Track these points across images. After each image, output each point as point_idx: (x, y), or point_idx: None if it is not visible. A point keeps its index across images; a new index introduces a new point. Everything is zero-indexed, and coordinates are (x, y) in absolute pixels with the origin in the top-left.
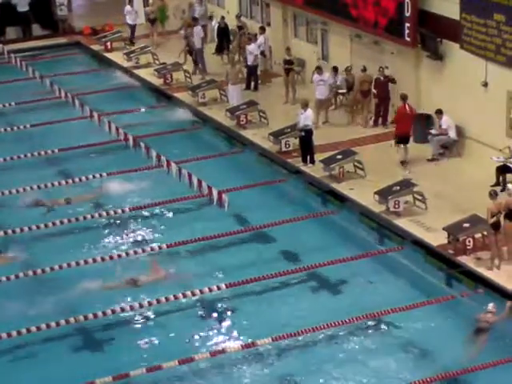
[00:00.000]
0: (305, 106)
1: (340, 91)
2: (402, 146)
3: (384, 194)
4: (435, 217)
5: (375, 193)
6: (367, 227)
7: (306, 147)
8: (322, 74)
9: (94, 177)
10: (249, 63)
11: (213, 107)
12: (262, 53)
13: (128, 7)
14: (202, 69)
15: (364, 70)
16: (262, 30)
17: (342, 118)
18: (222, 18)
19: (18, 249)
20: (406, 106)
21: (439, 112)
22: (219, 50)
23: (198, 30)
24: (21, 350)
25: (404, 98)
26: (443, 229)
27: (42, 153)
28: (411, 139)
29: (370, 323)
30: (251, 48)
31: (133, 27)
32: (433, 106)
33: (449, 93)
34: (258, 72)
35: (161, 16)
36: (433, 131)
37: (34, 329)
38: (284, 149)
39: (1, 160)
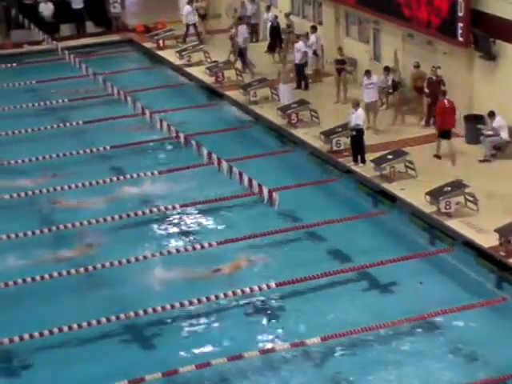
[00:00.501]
0: (356, 105)
1: (390, 91)
2: (444, 140)
3: (435, 195)
4: (487, 218)
5: (426, 193)
6: (418, 228)
7: (357, 147)
8: (370, 78)
9: (145, 174)
10: (296, 61)
11: (264, 106)
12: (314, 52)
13: (188, 7)
14: (246, 67)
15: (417, 66)
16: (314, 29)
17: (394, 117)
18: (276, 17)
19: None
20: (446, 101)
21: (491, 114)
22: (271, 48)
23: (242, 29)
24: (72, 345)
25: (444, 93)
26: (495, 230)
27: (94, 149)
28: (463, 139)
29: (419, 324)
30: (298, 46)
31: (193, 26)
32: (485, 107)
33: (501, 93)
34: (309, 71)
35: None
36: (485, 132)
37: (84, 324)
38: (335, 148)
39: (54, 156)
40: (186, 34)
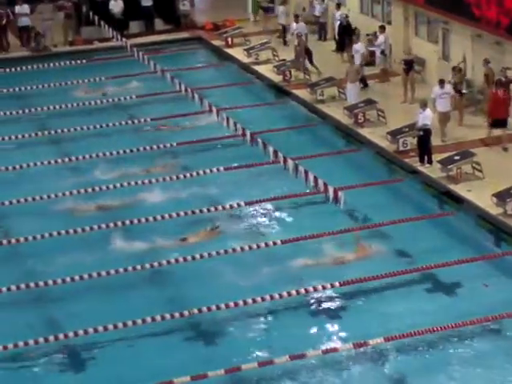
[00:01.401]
0: (424, 105)
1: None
2: (497, 130)
3: (502, 197)
4: None
5: (493, 195)
6: (484, 230)
7: (424, 147)
8: (443, 87)
9: (211, 171)
10: (356, 62)
11: (331, 105)
12: (383, 52)
13: (281, 8)
14: (304, 66)
15: (487, 62)
16: (382, 29)
17: (459, 119)
18: (346, 16)
19: None
20: (499, 91)
21: None
22: (340, 48)
23: (301, 27)
24: (136, 340)
25: (497, 83)
26: None
27: (161, 146)
28: None
29: (484, 326)
30: (358, 47)
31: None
32: None
33: None
34: (377, 70)
35: (254, 7)
36: None
37: (148, 319)
38: (401, 148)
39: (121, 152)
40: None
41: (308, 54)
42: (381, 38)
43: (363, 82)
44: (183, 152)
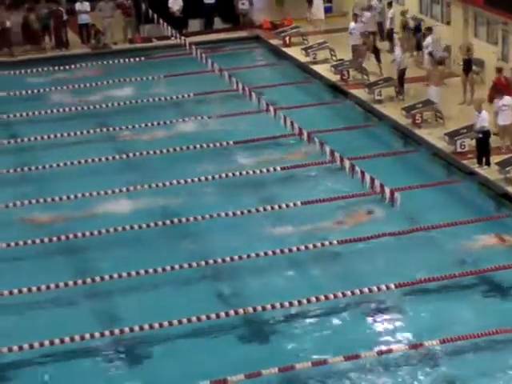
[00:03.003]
0: (478, 107)
1: None
2: None
3: None
4: None
5: None
6: None
7: (483, 149)
8: (503, 98)
9: (267, 170)
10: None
11: (388, 105)
12: (430, 53)
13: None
14: (360, 65)
15: None
16: (429, 30)
17: None
18: (416, 18)
19: None
20: (502, 77)
21: None
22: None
23: (358, 26)
24: (191, 337)
25: (499, 70)
26: None
27: (218, 144)
28: None
29: None
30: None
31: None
32: None
33: None
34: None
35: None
36: None
37: (203, 317)
38: (459, 149)
39: (178, 149)
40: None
41: (376, 52)
42: (428, 39)
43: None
44: (239, 150)
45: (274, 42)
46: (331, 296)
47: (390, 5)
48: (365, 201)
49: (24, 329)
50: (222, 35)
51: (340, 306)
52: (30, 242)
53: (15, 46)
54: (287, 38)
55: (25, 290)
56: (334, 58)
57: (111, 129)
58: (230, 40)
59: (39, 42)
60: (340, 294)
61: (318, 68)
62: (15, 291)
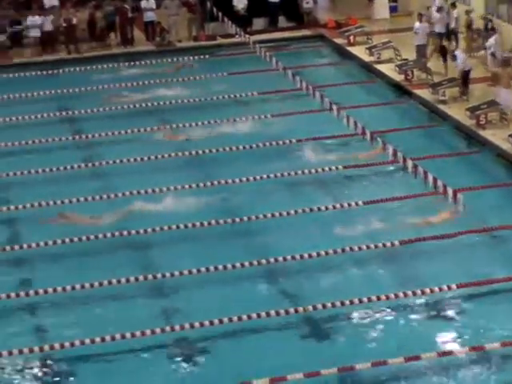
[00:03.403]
0: None
1: None
2: None
3: None
4: None
5: None
6: None
7: None
8: None
9: (330, 169)
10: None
11: (452, 105)
12: (493, 54)
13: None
14: (423, 66)
15: None
16: (493, 30)
17: None
18: (485, 17)
19: None
20: None
21: None
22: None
23: (423, 26)
24: (251, 334)
25: None
26: None
27: (280, 142)
28: None
29: None
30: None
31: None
32: None
33: None
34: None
35: None
36: None
37: (263, 314)
38: None
39: (241, 148)
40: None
41: (443, 51)
42: (491, 40)
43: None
44: (300, 149)
45: (338, 41)
46: (392, 296)
47: (453, 5)
48: (428, 201)
49: (88, 323)
50: (286, 34)
51: (402, 306)
52: (92, 237)
53: (81, 42)
54: (351, 37)
55: (88, 284)
56: (398, 57)
57: (174, 125)
58: (294, 39)
59: (104, 39)
60: (402, 294)
61: (381, 67)
62: (87, 285)
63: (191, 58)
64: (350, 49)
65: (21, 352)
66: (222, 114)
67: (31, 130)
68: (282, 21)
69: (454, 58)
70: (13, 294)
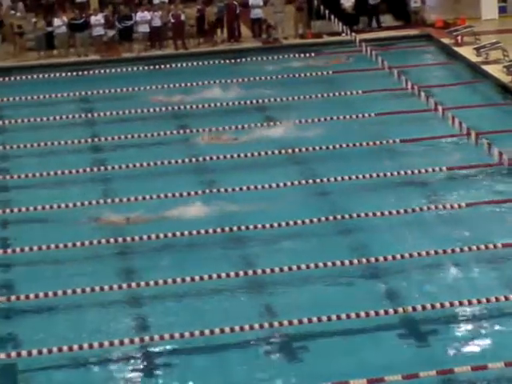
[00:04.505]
0: None
1: None
2: None
3: None
4: None
5: None
6: None
7: None
8: None
9: (433, 170)
10: None
11: None
12: None
13: None
14: None
15: None
16: None
17: None
18: None
19: None
20: None
21: None
22: None
23: None
24: (349, 333)
25: None
26: None
27: (384, 142)
28: None
29: None
30: None
31: None
32: None
33: None
34: None
35: None
36: None
37: (362, 314)
38: None
39: (344, 145)
40: None
41: None
42: None
43: None
44: (404, 149)
45: (446, 40)
46: (493, 299)
47: None
48: None
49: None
50: (393, 33)
51: (503, 311)
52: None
53: (188, 38)
54: (459, 37)
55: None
56: (506, 58)
57: (278, 123)
58: (401, 38)
59: (212, 35)
60: (503, 298)
61: (489, 68)
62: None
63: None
64: (457, 49)
65: (122, 343)
66: (326, 112)
67: (143, 124)
68: (389, 19)
69: None
70: (116, 286)
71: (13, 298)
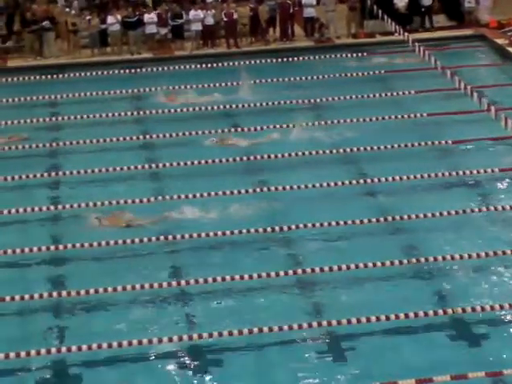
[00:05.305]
0: None
1: None
2: None
3: None
4: None
5: None
6: None
7: None
8: None
9: (485, 171)
10: None
11: None
12: None
13: None
14: None
15: None
16: None
17: None
18: None
19: None
20: None
21: None
22: None
23: None
24: (396, 334)
25: None
26: None
27: (436, 142)
28: None
29: None
30: None
31: None
32: None
33: None
34: None
35: None
36: None
37: (411, 315)
38: None
39: (389, 147)
40: None
41: None
42: None
43: None
44: (455, 150)
45: (500, 41)
46: None
47: None
48: None
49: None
50: (446, 33)
51: None
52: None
53: (241, 37)
54: None
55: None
56: None
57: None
58: (454, 38)
59: (265, 33)
60: None
61: None
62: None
63: (349, 55)
64: (511, 49)
65: (170, 340)
66: (377, 112)
67: (193, 123)
68: (443, 19)
69: None
70: (165, 284)
71: (64, 293)
